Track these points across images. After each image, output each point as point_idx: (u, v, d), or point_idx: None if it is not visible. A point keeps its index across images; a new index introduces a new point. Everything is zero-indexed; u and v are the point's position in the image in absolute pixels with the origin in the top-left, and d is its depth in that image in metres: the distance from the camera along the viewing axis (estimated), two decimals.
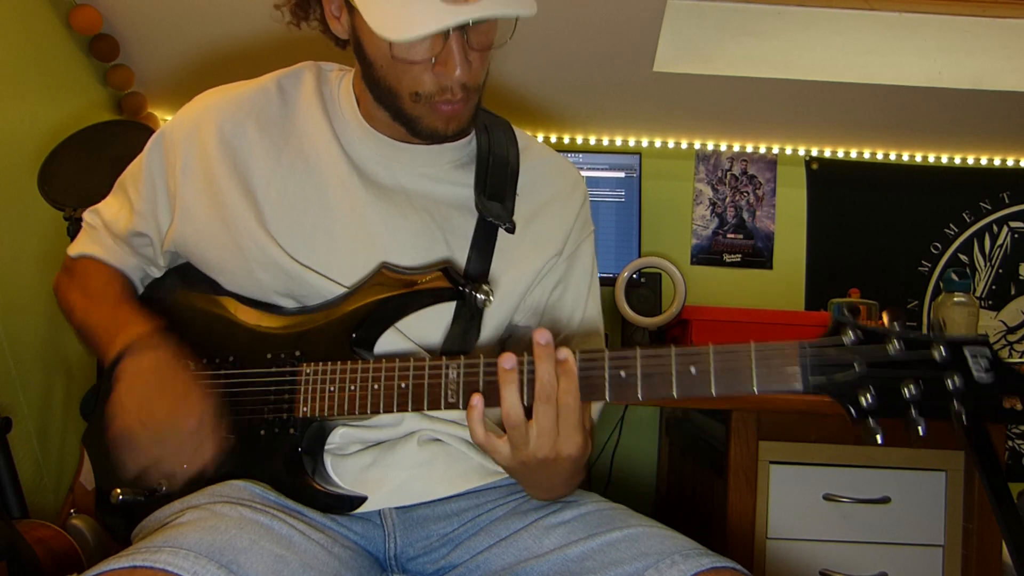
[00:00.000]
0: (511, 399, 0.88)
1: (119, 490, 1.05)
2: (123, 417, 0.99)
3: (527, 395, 0.89)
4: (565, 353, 0.88)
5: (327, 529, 0.98)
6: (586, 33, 2.14)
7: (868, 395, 0.81)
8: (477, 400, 0.90)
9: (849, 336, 0.82)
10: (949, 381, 0.79)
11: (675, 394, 0.86)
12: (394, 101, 1.04)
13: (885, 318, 0.83)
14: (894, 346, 0.81)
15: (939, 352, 0.79)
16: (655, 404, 2.30)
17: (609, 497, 1.04)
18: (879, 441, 0.80)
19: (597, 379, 0.88)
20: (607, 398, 0.88)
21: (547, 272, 1.15)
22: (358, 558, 1.00)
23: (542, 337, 0.87)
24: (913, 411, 0.80)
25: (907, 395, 0.80)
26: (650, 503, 2.46)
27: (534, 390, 0.87)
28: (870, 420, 0.81)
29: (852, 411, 0.81)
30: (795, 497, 1.67)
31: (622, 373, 0.88)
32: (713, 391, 0.85)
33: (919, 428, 0.80)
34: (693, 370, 0.85)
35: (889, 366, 0.81)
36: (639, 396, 0.87)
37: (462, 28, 0.96)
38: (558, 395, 0.87)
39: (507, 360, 0.88)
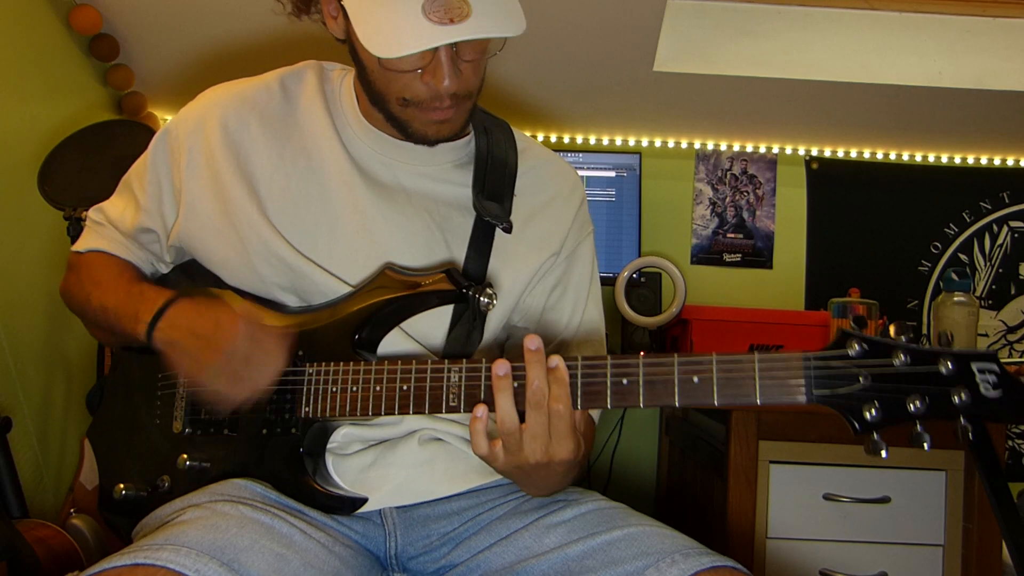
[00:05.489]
0: (505, 405, 0.88)
1: (122, 485, 1.06)
2: (196, 371, 1.01)
3: (520, 401, 0.89)
4: (556, 360, 0.88)
5: (328, 528, 0.98)
6: (586, 33, 2.14)
7: (873, 409, 0.80)
8: (482, 411, 0.90)
9: (855, 348, 0.81)
10: (955, 396, 0.78)
11: (676, 403, 0.86)
12: (384, 105, 1.05)
13: (892, 330, 0.81)
14: (900, 359, 0.79)
15: (946, 366, 0.78)
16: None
17: (609, 497, 1.04)
18: (884, 456, 0.79)
19: (599, 386, 0.88)
20: (608, 405, 0.88)
21: (545, 272, 1.15)
22: (359, 557, 1.00)
23: (532, 343, 0.88)
24: (918, 425, 0.79)
25: (912, 409, 0.79)
26: (650, 503, 2.46)
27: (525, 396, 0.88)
28: (874, 434, 0.80)
29: (856, 425, 0.80)
30: (795, 497, 1.67)
31: (624, 380, 0.87)
32: (715, 401, 0.84)
33: (924, 443, 0.79)
34: (696, 379, 0.85)
35: (895, 379, 0.80)
36: (640, 403, 0.87)
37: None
38: (549, 401, 0.88)
39: (500, 367, 0.89)
